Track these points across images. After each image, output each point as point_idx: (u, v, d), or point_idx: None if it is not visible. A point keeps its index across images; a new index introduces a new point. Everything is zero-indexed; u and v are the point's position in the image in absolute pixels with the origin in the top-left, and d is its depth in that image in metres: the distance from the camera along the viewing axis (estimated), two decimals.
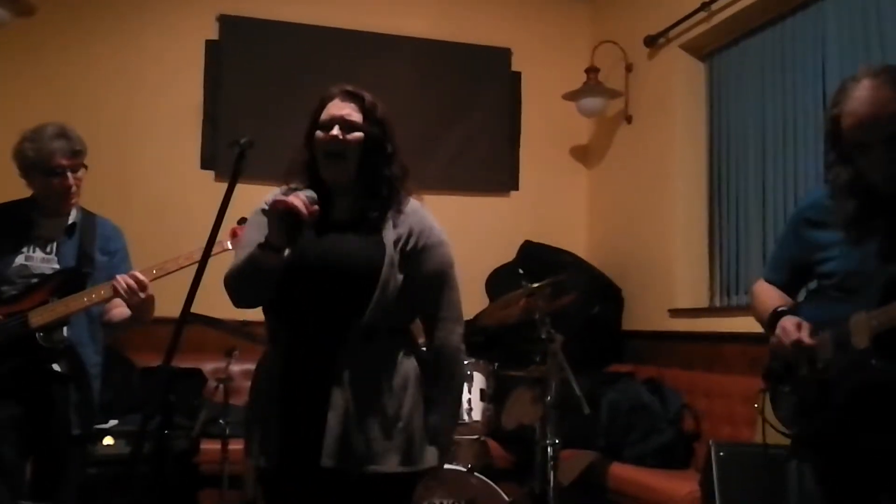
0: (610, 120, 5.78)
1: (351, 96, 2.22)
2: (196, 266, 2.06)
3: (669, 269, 5.06)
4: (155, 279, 2.82)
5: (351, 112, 2.19)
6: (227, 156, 2.12)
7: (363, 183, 2.21)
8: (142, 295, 2.77)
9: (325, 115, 2.20)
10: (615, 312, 5.48)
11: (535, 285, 3.67)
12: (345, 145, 2.17)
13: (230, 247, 2.79)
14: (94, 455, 3.68)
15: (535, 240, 5.74)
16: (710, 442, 3.27)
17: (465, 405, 3.69)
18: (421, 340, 2.33)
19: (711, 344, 4.57)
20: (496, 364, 3.93)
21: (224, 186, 2.06)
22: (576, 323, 4.68)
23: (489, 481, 3.48)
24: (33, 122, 2.96)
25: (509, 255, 5.69)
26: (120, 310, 2.92)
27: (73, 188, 2.92)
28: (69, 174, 2.89)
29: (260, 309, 2.25)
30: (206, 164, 5.39)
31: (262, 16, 5.52)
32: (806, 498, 2.17)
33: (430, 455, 2.21)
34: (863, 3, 3.87)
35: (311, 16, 5.59)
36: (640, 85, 5.49)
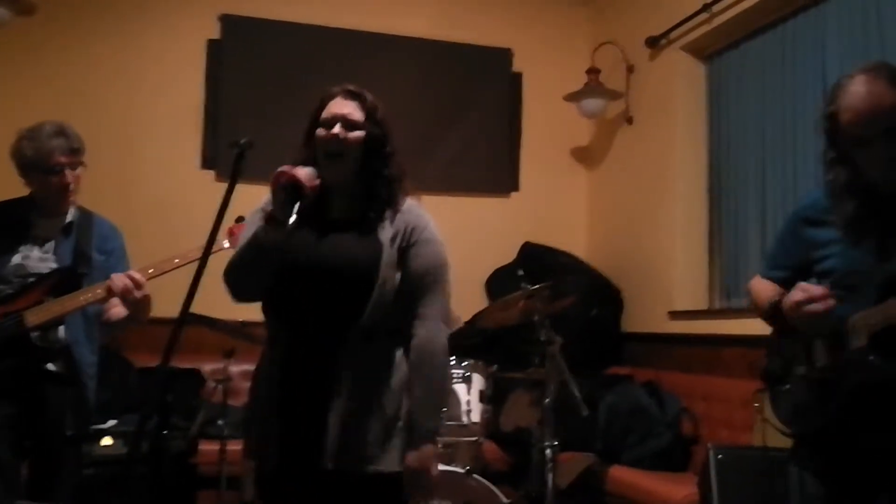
0: (610, 121, 5.78)
1: (352, 95, 2.23)
2: (194, 265, 2.05)
3: (669, 272, 5.06)
4: (151, 279, 2.81)
5: (352, 111, 2.20)
6: (227, 156, 2.11)
7: (362, 183, 2.21)
8: (137, 294, 2.75)
9: (326, 114, 2.20)
10: (614, 314, 5.47)
11: (535, 287, 3.67)
12: (345, 145, 2.17)
13: (228, 246, 2.78)
14: (91, 455, 3.67)
15: (535, 241, 5.74)
16: (709, 445, 3.27)
17: (463, 406, 3.69)
18: None
19: (710, 347, 4.56)
20: (495, 366, 3.92)
21: (225, 186, 2.06)
22: (575, 325, 4.68)
23: (487, 483, 3.48)
24: (33, 121, 2.95)
25: (509, 256, 5.69)
26: (117, 309, 2.90)
27: (72, 186, 2.91)
28: (67, 172, 2.88)
29: (259, 309, 2.25)
30: (206, 164, 5.39)
31: (264, 15, 5.52)
32: (807, 500, 2.16)
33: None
34: (863, 6, 3.86)
35: (312, 16, 5.59)
36: (640, 86, 5.48)
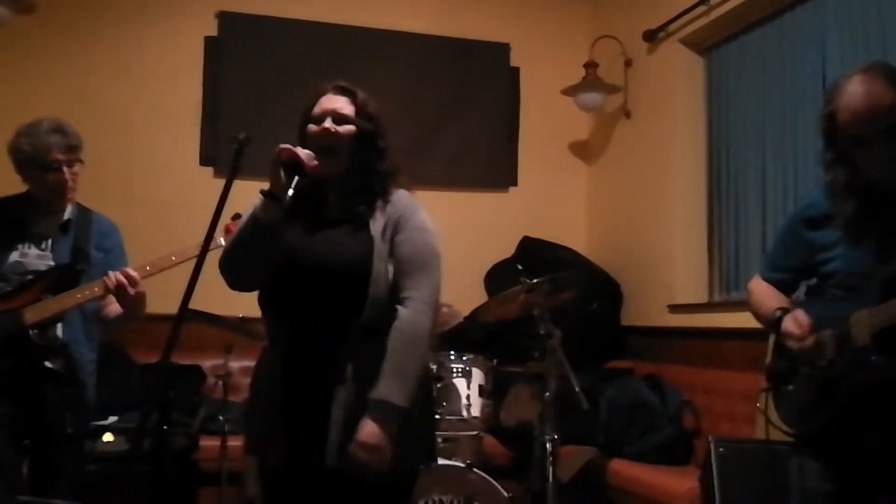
0: (609, 115, 5.77)
1: (343, 91, 2.25)
2: (192, 262, 2.05)
3: (669, 265, 5.06)
4: (148, 276, 2.80)
5: (343, 105, 2.22)
6: (226, 152, 2.13)
7: (355, 177, 2.21)
8: (132, 291, 2.74)
9: (317, 109, 2.22)
10: (614, 308, 5.47)
11: (535, 281, 3.66)
12: (337, 139, 2.17)
13: (223, 243, 2.78)
14: (93, 452, 3.68)
15: (534, 236, 5.74)
16: (710, 438, 3.27)
17: (463, 401, 3.70)
18: None
19: (711, 340, 4.56)
20: (495, 360, 3.93)
21: (223, 183, 2.06)
22: (575, 319, 4.66)
23: (488, 477, 3.48)
24: (32, 118, 2.94)
25: (508, 251, 5.69)
26: (114, 306, 2.90)
27: (69, 184, 2.90)
28: (65, 169, 2.87)
29: (258, 304, 2.25)
30: (205, 161, 5.39)
31: (261, 12, 5.51)
32: (807, 495, 2.16)
33: (432, 450, 2.21)
34: None
35: (309, 12, 5.58)
36: (639, 80, 5.48)
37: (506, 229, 5.74)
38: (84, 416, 2.93)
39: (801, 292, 2.39)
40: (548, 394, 3.60)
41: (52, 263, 2.88)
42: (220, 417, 3.91)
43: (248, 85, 5.42)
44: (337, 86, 2.26)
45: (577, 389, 3.50)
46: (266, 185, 2.11)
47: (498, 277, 5.49)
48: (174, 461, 4.00)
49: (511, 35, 6.00)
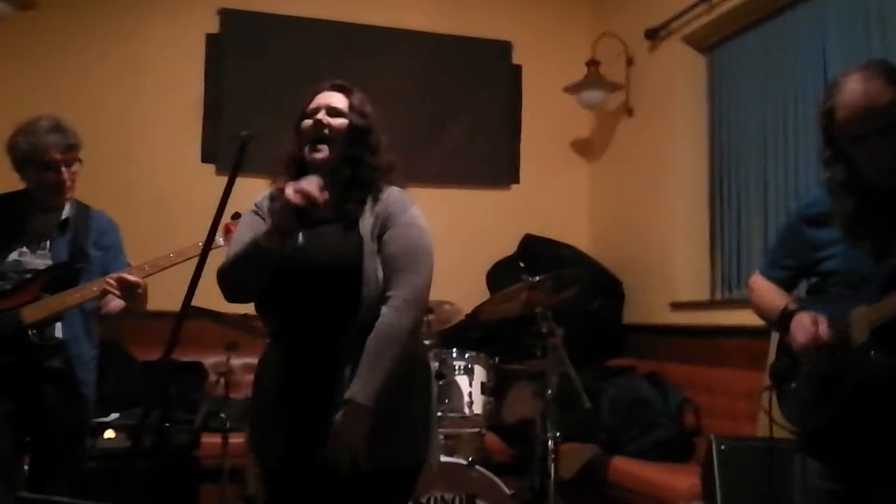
0: (611, 113, 5.77)
1: (338, 88, 2.29)
2: (194, 260, 2.04)
3: (670, 263, 5.06)
4: (147, 276, 2.80)
5: (337, 101, 2.25)
6: (228, 149, 2.12)
7: (345, 170, 2.21)
8: (140, 291, 2.76)
9: (312, 105, 2.24)
10: (616, 306, 5.48)
11: (536, 279, 3.66)
12: (329, 131, 2.19)
13: (222, 243, 2.77)
14: (94, 449, 3.67)
15: (536, 233, 5.74)
16: (712, 436, 3.27)
17: (465, 398, 3.70)
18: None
19: (712, 338, 4.57)
20: (497, 358, 3.93)
21: (225, 180, 2.06)
22: (576, 317, 4.67)
23: (490, 475, 3.48)
24: (32, 115, 2.92)
25: (510, 248, 5.69)
26: (116, 302, 2.89)
27: (68, 182, 2.87)
28: (63, 168, 2.84)
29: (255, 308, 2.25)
30: (206, 158, 5.39)
31: (263, 9, 5.51)
32: (808, 493, 2.16)
33: (434, 447, 2.21)
34: None
35: (311, 9, 5.58)
36: (640, 78, 5.48)
37: (507, 227, 5.74)
38: (84, 413, 2.92)
39: (800, 290, 2.40)
40: (549, 391, 3.60)
41: (50, 262, 2.86)
42: (222, 414, 3.91)
43: (250, 82, 5.43)
44: (333, 83, 2.29)
45: (578, 387, 3.51)
46: (265, 183, 2.11)
47: (500, 275, 5.48)
48: (175, 458, 4.00)
49: (513, 33, 6.01)
